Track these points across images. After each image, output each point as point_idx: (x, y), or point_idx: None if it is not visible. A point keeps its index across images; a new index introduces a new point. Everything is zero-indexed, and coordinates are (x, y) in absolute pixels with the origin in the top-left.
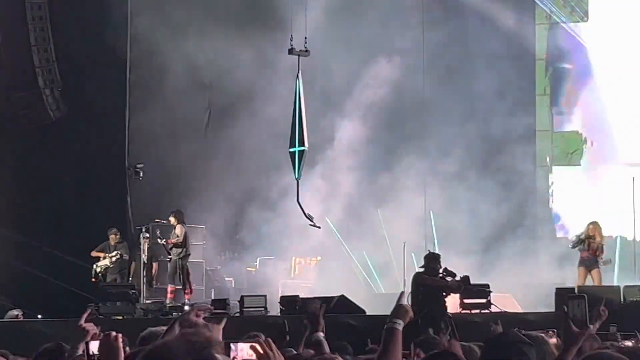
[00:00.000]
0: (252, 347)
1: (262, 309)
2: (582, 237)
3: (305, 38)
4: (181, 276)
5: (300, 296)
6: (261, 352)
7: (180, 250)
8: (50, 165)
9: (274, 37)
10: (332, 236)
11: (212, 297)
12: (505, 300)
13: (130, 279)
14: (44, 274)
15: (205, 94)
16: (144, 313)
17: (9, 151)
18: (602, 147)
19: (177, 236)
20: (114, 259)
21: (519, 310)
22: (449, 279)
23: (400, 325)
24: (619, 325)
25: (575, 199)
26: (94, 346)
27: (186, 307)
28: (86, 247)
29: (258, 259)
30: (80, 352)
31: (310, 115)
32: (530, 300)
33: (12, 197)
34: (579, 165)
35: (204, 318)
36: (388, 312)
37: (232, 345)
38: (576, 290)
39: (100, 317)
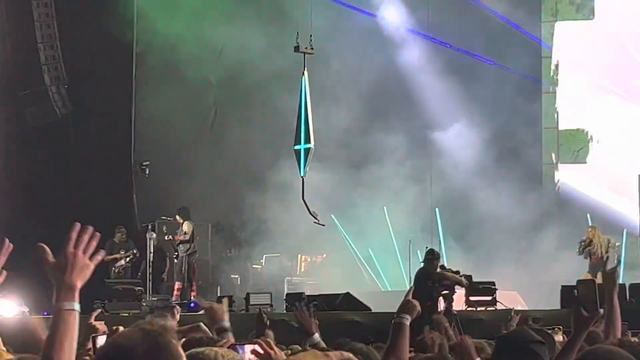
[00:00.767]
0: (253, 352)
1: (268, 305)
2: (583, 245)
3: (311, 36)
4: (187, 273)
5: (306, 293)
6: (262, 352)
7: (188, 246)
8: (56, 162)
9: (282, 32)
10: (337, 233)
11: (218, 294)
12: (511, 297)
13: (139, 274)
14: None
15: (212, 92)
16: (149, 310)
17: (15, 148)
18: (608, 144)
19: (185, 232)
20: (128, 258)
21: (525, 307)
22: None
23: (407, 320)
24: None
25: (581, 195)
26: (102, 341)
27: (192, 305)
28: None
29: (264, 256)
30: (89, 347)
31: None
32: (536, 297)
33: (17, 193)
34: (585, 162)
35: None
36: (394, 310)
37: (238, 348)
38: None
39: (106, 314)
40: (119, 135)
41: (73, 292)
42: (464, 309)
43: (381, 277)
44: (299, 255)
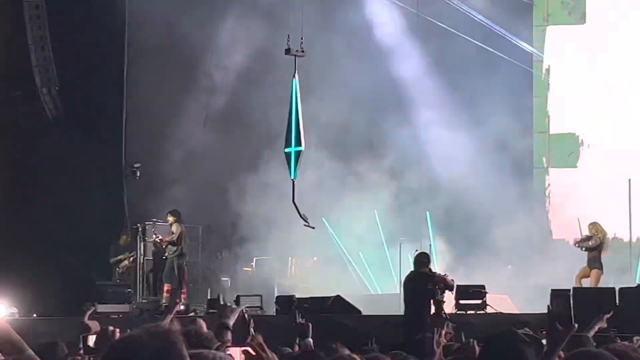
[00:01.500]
0: (245, 352)
1: (258, 308)
2: (593, 240)
3: (302, 39)
4: (177, 275)
5: (297, 296)
6: (254, 354)
7: (175, 248)
8: (47, 164)
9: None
10: (328, 236)
11: (208, 297)
12: (501, 300)
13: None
14: (40, 273)
15: (203, 95)
16: (139, 312)
17: (5, 149)
18: (599, 149)
19: (173, 233)
20: (131, 259)
21: (515, 311)
22: None
23: None
24: (614, 327)
25: (571, 200)
26: (92, 340)
27: (181, 307)
28: (82, 246)
29: (254, 258)
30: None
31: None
32: (526, 301)
33: (8, 194)
34: (576, 167)
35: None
36: (384, 313)
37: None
38: (571, 292)
39: (96, 315)
40: (110, 137)
41: None
42: (453, 312)
43: (371, 280)
44: (290, 258)
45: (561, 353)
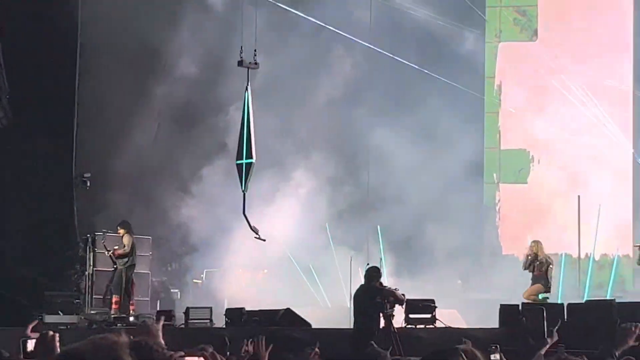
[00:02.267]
0: None
1: (208, 320)
2: (530, 259)
3: (255, 51)
4: (125, 287)
5: (246, 309)
6: None
7: (126, 259)
8: None
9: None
10: (278, 248)
11: (158, 309)
12: (451, 315)
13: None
14: None
15: (154, 105)
16: (88, 323)
17: None
18: (549, 165)
19: (125, 245)
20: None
21: (464, 325)
22: None
23: None
24: (561, 343)
25: (521, 216)
26: (31, 345)
27: (131, 318)
28: (30, 256)
29: (205, 271)
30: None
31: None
32: (475, 316)
33: None
34: (526, 183)
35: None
36: (333, 326)
37: None
38: (520, 307)
39: (44, 326)
40: (60, 146)
41: None
42: (403, 326)
43: (321, 294)
44: (240, 270)
45: None
